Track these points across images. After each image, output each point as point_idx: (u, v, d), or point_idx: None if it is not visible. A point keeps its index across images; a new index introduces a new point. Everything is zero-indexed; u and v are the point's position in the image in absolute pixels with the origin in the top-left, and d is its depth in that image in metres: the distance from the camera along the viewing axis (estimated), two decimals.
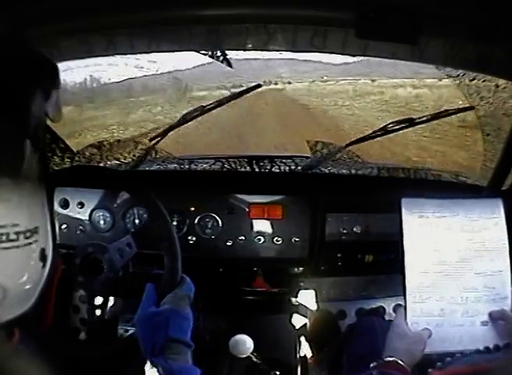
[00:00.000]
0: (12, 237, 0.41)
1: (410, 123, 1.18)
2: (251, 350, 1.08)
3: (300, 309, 1.30)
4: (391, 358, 0.73)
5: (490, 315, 0.81)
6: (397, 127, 1.18)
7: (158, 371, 0.67)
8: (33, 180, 0.45)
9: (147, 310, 0.76)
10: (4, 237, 0.40)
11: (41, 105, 0.47)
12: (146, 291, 0.79)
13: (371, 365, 0.74)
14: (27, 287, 0.44)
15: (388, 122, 1.21)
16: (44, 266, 0.46)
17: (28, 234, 0.43)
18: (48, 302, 0.50)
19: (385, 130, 1.21)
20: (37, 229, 0.44)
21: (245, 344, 1.07)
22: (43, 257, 0.46)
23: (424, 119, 1.19)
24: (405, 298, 0.82)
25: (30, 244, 0.43)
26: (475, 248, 0.83)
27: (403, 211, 0.84)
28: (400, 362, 0.72)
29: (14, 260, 0.42)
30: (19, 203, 0.42)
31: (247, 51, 0.99)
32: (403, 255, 0.82)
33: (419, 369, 0.76)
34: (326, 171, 1.37)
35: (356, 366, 0.87)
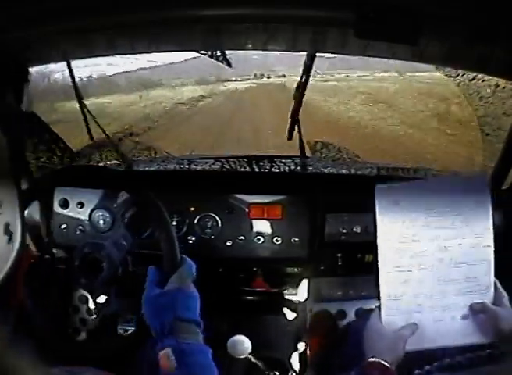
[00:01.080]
0: None
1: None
2: (249, 350, 1.08)
3: (300, 309, 1.30)
4: (373, 359, 0.71)
5: (471, 308, 0.76)
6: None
7: (167, 354, 0.65)
8: (3, 165, 0.46)
9: (152, 292, 0.74)
10: None
11: (10, 97, 0.48)
12: (148, 274, 0.78)
13: (358, 365, 0.72)
14: None
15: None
16: (9, 241, 0.46)
17: None
18: (14, 288, 0.50)
19: None
20: (0, 203, 0.44)
21: (243, 344, 1.07)
22: (7, 231, 0.45)
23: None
24: (379, 296, 0.77)
25: None
26: (456, 235, 0.76)
27: (376, 199, 0.76)
28: (382, 362, 0.70)
29: None
30: None
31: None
32: (376, 249, 0.76)
33: (401, 368, 0.73)
34: (326, 171, 1.37)
35: (345, 367, 0.86)
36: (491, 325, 0.75)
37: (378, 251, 0.76)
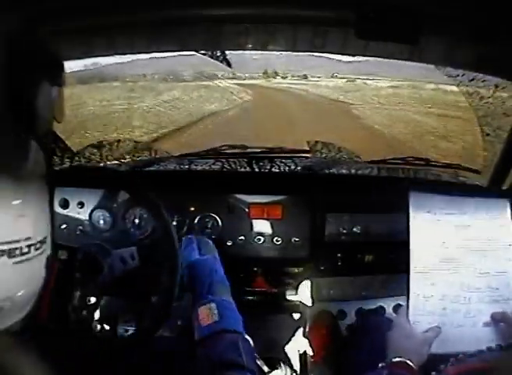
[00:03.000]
0: (25, 250, 0.40)
1: (426, 162, 1.35)
2: None
3: (300, 309, 1.30)
4: (400, 359, 0.71)
5: (492, 316, 0.79)
6: (416, 162, 1.35)
7: (209, 308, 0.75)
8: (43, 187, 0.44)
9: (194, 257, 0.88)
10: (17, 252, 0.39)
11: (48, 105, 0.46)
12: (185, 244, 0.90)
13: (380, 365, 0.73)
14: (33, 292, 0.44)
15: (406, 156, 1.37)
16: (46, 271, 0.45)
17: (38, 246, 0.42)
18: (44, 300, 0.49)
19: (405, 162, 1.34)
20: (45, 239, 0.44)
21: None
22: (47, 265, 0.45)
23: (440, 164, 1.37)
24: (408, 296, 0.80)
25: (40, 255, 0.43)
26: (481, 248, 0.82)
27: (411, 206, 0.83)
28: (409, 362, 0.71)
29: (24, 272, 0.41)
30: (34, 218, 0.42)
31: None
32: (409, 251, 0.81)
33: (422, 369, 0.74)
34: (326, 171, 1.37)
35: (364, 365, 0.86)
36: (510, 334, 0.77)
37: (411, 252, 0.81)
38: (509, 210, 0.84)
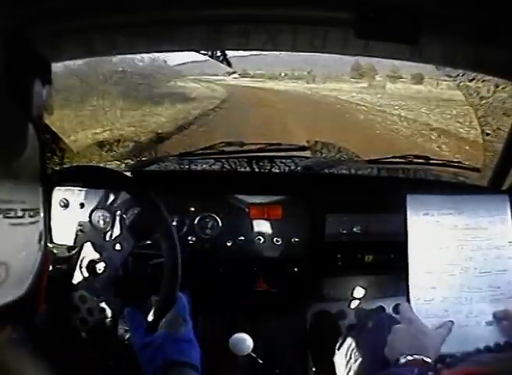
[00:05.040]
0: (19, 213, 0.41)
1: (426, 160, 1.35)
2: (251, 348, 1.08)
3: (300, 309, 1.31)
4: (416, 356, 0.70)
5: (494, 315, 0.80)
6: (416, 161, 1.35)
7: None
8: (35, 167, 0.46)
9: (141, 340, 0.75)
10: (12, 213, 0.40)
11: (40, 99, 0.49)
12: (131, 319, 0.79)
13: (402, 361, 0.71)
14: (27, 267, 0.44)
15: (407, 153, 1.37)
16: (40, 249, 0.46)
17: (32, 213, 0.43)
18: (39, 292, 0.50)
19: (405, 160, 1.34)
20: (38, 210, 0.45)
21: (244, 342, 1.08)
22: (40, 240, 0.46)
23: (439, 162, 1.36)
24: (408, 300, 0.80)
25: (34, 223, 0.43)
26: (480, 247, 0.81)
27: (408, 208, 0.82)
28: (425, 358, 0.70)
29: (19, 238, 0.41)
30: (26, 183, 0.43)
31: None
32: (407, 255, 0.81)
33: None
34: (326, 171, 1.37)
35: (371, 363, 0.85)
36: None
37: (409, 257, 0.81)
38: (509, 206, 0.83)
